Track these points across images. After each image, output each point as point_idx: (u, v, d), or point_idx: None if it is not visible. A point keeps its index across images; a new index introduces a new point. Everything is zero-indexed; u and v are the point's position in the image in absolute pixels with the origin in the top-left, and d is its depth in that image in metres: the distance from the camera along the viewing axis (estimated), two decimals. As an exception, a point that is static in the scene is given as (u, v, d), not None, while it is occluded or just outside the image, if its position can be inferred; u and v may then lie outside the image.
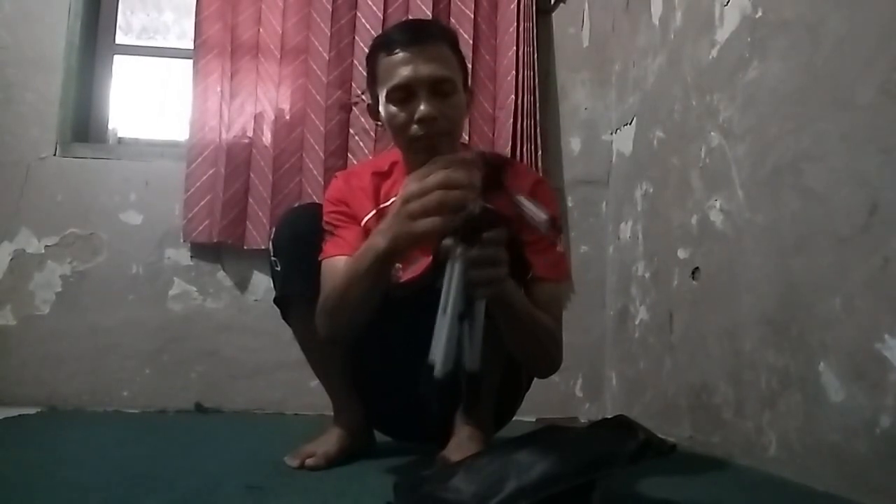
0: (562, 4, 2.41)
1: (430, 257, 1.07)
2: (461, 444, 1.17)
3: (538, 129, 2.24)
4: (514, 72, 2.23)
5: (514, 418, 1.42)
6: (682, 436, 1.68)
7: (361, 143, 2.23)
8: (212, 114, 2.24)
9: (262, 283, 2.25)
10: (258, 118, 2.25)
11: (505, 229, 0.89)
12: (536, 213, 0.87)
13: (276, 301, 1.33)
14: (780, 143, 1.37)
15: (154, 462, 1.27)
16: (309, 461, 1.22)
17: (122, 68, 2.50)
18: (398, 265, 1.16)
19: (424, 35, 1.14)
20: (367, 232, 1.18)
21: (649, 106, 2.06)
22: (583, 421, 2.22)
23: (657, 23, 2.01)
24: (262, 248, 2.12)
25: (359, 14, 2.27)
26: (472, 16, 2.26)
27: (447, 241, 0.90)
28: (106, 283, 2.23)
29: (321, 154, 2.21)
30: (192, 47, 2.28)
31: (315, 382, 1.44)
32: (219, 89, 2.24)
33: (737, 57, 1.54)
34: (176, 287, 2.26)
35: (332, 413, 1.37)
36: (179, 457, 1.33)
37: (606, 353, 2.28)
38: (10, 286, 2.22)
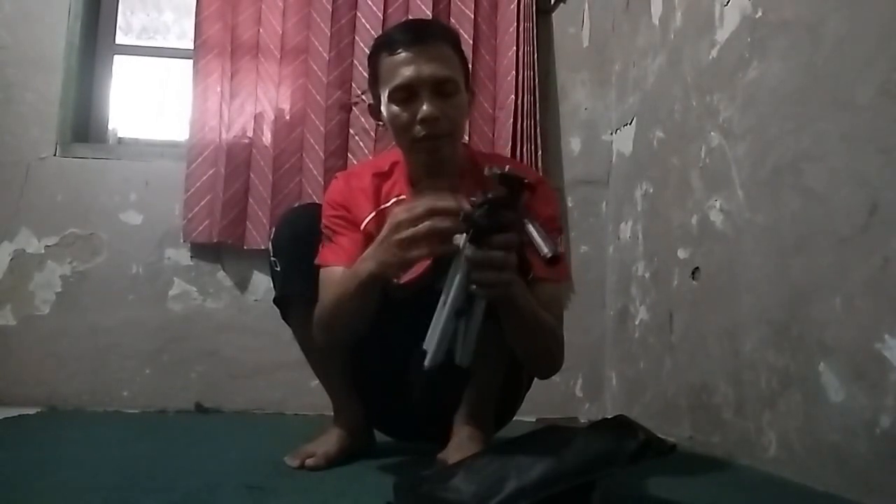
0: (562, 4, 2.41)
1: (430, 259, 1.07)
2: (461, 444, 1.17)
3: (538, 129, 2.24)
4: (514, 72, 2.23)
5: (514, 418, 1.42)
6: (682, 436, 1.68)
7: (361, 143, 2.23)
8: (212, 114, 2.24)
9: (262, 283, 2.25)
10: (258, 118, 2.25)
11: (515, 235, 0.89)
12: (541, 244, 0.87)
13: (275, 301, 1.33)
14: (780, 143, 1.37)
15: (154, 462, 1.27)
16: (309, 461, 1.22)
17: (122, 68, 2.50)
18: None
19: (427, 35, 1.14)
20: (366, 235, 1.18)
21: (649, 106, 2.06)
22: (583, 421, 2.22)
23: (657, 23, 2.01)
24: (262, 248, 2.12)
25: (359, 14, 2.27)
26: (472, 16, 2.26)
27: (456, 239, 0.91)
28: (106, 283, 2.23)
29: (321, 154, 2.21)
30: (192, 47, 2.28)
31: (315, 382, 1.44)
32: (219, 89, 2.24)
33: (737, 57, 1.54)
34: (176, 287, 2.26)
35: (332, 413, 1.37)
36: (179, 457, 1.33)
37: (606, 353, 2.28)
38: (10, 286, 2.22)
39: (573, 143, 2.38)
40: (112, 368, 2.21)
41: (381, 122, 1.22)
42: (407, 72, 1.11)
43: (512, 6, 2.28)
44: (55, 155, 2.27)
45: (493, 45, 2.30)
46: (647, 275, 1.99)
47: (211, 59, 2.25)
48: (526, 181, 0.90)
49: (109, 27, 2.46)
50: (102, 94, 2.43)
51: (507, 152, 2.16)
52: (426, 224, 0.91)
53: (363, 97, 2.19)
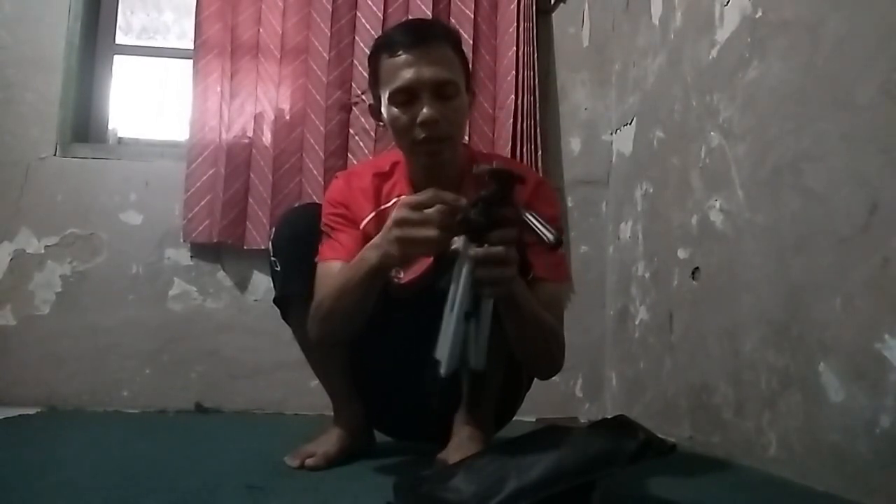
0: (562, 4, 2.41)
1: (431, 258, 1.07)
2: (461, 444, 1.17)
3: (538, 129, 2.24)
4: (514, 72, 2.23)
5: (514, 418, 1.42)
6: (682, 436, 1.68)
7: (361, 143, 2.23)
8: (212, 114, 2.24)
9: (262, 283, 2.25)
10: (258, 118, 2.25)
11: (514, 229, 0.89)
12: (543, 231, 0.87)
13: (275, 301, 1.33)
14: (780, 143, 1.37)
15: (154, 462, 1.27)
16: (309, 461, 1.22)
17: (122, 68, 2.50)
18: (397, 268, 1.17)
19: (428, 36, 1.14)
20: (365, 234, 1.18)
21: (649, 106, 2.06)
22: (583, 421, 2.22)
23: (657, 23, 2.01)
24: (262, 248, 2.12)
25: (359, 14, 2.27)
26: (472, 16, 2.26)
27: (456, 240, 0.91)
28: (106, 283, 2.23)
29: (321, 154, 2.21)
30: (192, 47, 2.28)
31: (315, 382, 1.44)
32: (219, 89, 2.24)
33: (737, 57, 1.54)
34: (176, 287, 2.26)
35: (332, 413, 1.37)
36: (179, 457, 1.33)
37: (606, 353, 2.28)
38: (10, 286, 2.22)
39: (573, 143, 2.38)
40: (112, 368, 2.21)
41: (381, 123, 1.22)
42: (407, 74, 1.11)
43: (512, 6, 2.28)
44: (55, 155, 2.27)
45: (493, 45, 2.30)
46: (647, 275, 1.99)
47: (211, 59, 2.25)
48: (515, 174, 0.89)
49: (109, 27, 2.46)
50: (102, 94, 2.43)
51: (507, 152, 2.16)
52: (435, 207, 0.92)
53: (363, 97, 2.19)
